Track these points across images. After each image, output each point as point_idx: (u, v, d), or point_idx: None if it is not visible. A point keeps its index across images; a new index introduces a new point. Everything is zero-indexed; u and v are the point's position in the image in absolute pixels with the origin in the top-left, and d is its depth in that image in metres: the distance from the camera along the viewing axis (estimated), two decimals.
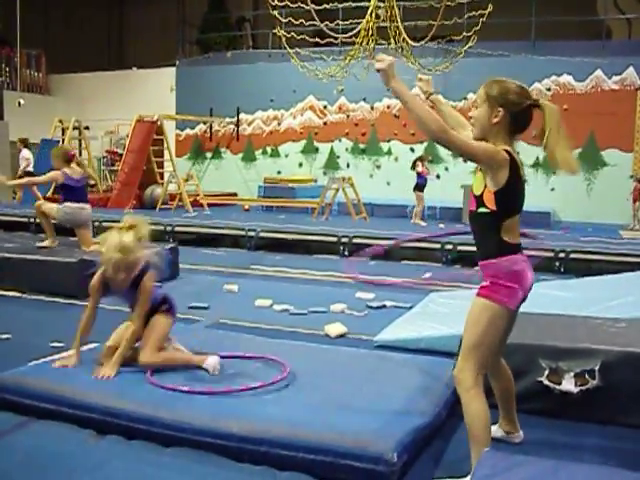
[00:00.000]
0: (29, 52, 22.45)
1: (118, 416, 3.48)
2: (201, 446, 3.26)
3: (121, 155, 18.18)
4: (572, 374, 3.91)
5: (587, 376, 3.89)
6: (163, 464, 3.15)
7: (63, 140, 18.31)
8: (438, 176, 14.60)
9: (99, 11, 24.84)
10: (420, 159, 14.58)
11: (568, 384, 3.91)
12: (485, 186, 3.05)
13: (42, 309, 6.69)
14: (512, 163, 3.01)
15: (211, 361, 4.04)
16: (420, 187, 14.31)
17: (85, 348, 4.74)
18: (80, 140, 19.45)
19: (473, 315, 3.12)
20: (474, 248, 3.22)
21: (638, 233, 13.32)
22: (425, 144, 17.89)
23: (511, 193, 3.03)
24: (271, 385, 3.74)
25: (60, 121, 18.75)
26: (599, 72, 16.36)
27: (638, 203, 14.51)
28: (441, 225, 13.84)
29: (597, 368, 3.87)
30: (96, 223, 12.27)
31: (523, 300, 3.16)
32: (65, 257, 7.33)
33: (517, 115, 3.08)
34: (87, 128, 19.70)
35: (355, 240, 10.66)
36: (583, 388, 3.89)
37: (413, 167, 14.50)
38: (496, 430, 3.51)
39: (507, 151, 3.01)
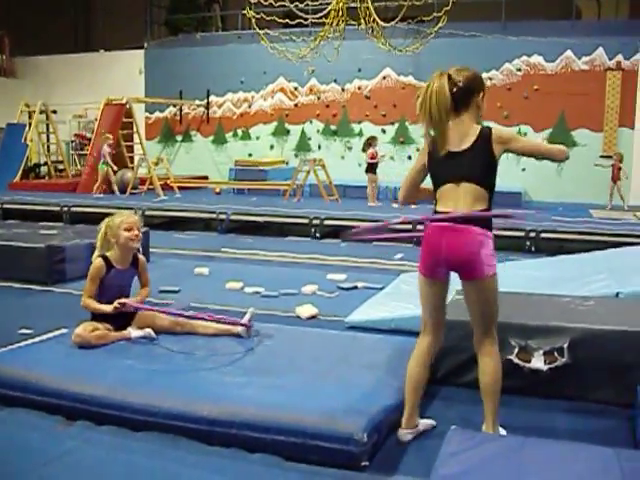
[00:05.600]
0: None
1: (87, 402, 3.46)
2: (171, 430, 3.25)
3: (90, 139, 17.96)
4: (541, 352, 3.94)
5: (556, 354, 3.92)
6: (133, 449, 3.14)
7: (30, 124, 18.06)
8: (392, 157, 14.61)
9: None
10: (369, 141, 14.55)
11: (538, 362, 3.94)
12: None
13: (10, 295, 6.59)
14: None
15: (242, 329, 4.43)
16: (373, 169, 14.33)
17: (53, 335, 4.72)
18: (47, 124, 19.20)
19: None
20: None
21: (609, 212, 13.42)
22: (396, 125, 17.89)
23: (430, 165, 3.36)
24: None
25: (26, 105, 18.48)
26: (569, 52, 16.43)
27: (619, 182, 14.56)
28: (413, 206, 13.82)
29: (566, 346, 3.90)
30: (65, 208, 12.17)
31: (441, 270, 3.27)
32: (33, 243, 7.22)
33: None
34: (54, 112, 19.42)
35: (327, 222, 10.65)
36: (552, 366, 3.92)
37: (364, 149, 14.52)
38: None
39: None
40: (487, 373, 3.28)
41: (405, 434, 3.38)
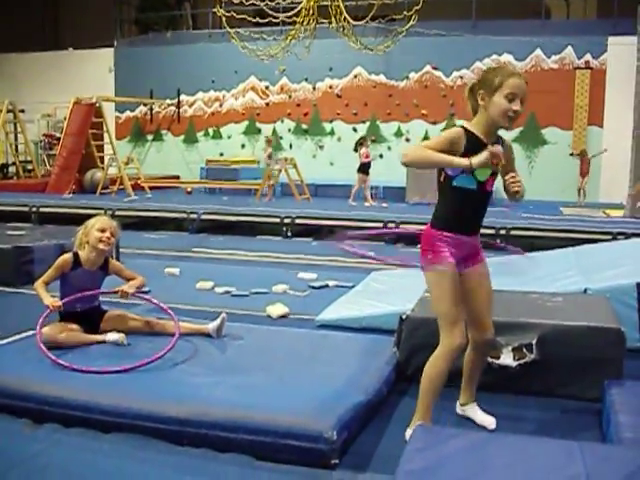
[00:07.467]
0: None
1: (55, 404, 3.40)
2: (141, 431, 3.22)
3: (59, 139, 17.76)
4: (510, 348, 3.96)
5: (525, 350, 3.95)
6: (103, 451, 3.10)
7: None
8: (381, 156, 14.67)
9: None
10: (361, 141, 14.51)
11: (506, 358, 3.96)
12: None
13: None
14: None
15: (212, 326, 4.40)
16: (365, 169, 14.23)
17: (20, 336, 4.65)
18: (15, 124, 18.96)
19: None
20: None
21: (578, 209, 13.55)
22: (368, 124, 17.93)
23: None
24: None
25: None
26: (539, 51, 16.60)
27: (586, 178, 14.78)
28: (384, 205, 13.89)
29: (534, 342, 3.93)
30: (33, 209, 12.05)
31: None
32: (0, 243, 7.12)
33: None
34: (22, 111, 19.18)
35: (298, 221, 10.65)
36: (521, 362, 3.95)
37: (356, 149, 14.47)
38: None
39: None
40: (425, 368, 3.27)
41: (458, 407, 3.63)
